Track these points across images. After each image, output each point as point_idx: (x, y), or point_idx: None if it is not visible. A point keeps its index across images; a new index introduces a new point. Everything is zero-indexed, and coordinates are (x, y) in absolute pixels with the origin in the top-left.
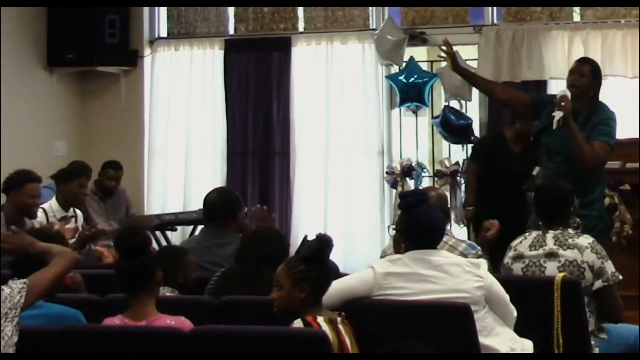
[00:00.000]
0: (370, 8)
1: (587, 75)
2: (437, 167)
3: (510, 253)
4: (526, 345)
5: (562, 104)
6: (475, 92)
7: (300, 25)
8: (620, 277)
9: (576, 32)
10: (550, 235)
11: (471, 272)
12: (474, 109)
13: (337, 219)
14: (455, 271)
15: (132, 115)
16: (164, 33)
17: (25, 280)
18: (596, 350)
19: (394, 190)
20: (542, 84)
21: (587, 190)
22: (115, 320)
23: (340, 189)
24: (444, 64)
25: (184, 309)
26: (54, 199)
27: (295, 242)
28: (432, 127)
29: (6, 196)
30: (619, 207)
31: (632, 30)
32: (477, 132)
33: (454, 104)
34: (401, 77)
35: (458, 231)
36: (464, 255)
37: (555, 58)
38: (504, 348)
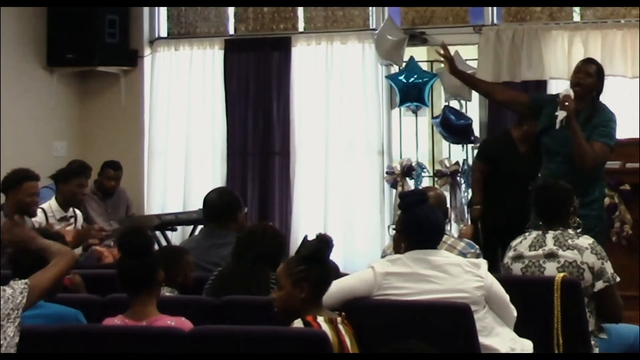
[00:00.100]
0: (370, 8)
1: (593, 75)
2: (437, 167)
3: (510, 253)
4: (526, 345)
5: (566, 103)
6: (475, 92)
7: (300, 25)
8: (618, 278)
9: (576, 32)
10: (550, 235)
11: (471, 272)
12: (474, 109)
13: (337, 219)
14: (455, 271)
15: (132, 115)
16: (164, 33)
17: (26, 280)
18: (596, 350)
19: (394, 190)
20: (542, 84)
21: (587, 190)
22: (116, 321)
23: (340, 189)
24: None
25: (183, 309)
26: (53, 199)
27: (295, 242)
28: (432, 127)
29: (5, 195)
30: (619, 207)
31: (632, 30)
32: (477, 132)
33: (454, 104)
34: (401, 77)
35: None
36: (463, 254)
37: (555, 58)
38: (504, 348)
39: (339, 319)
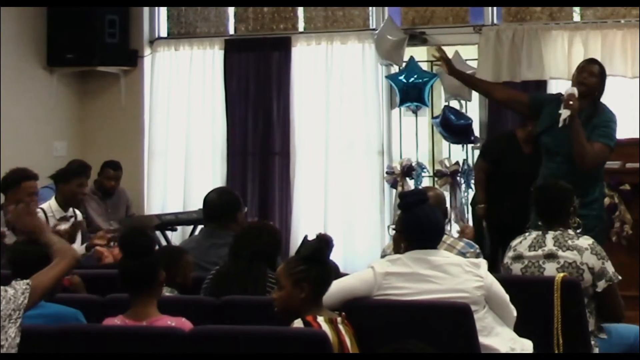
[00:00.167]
0: (370, 8)
1: (596, 75)
2: (437, 167)
3: (510, 253)
4: (526, 345)
5: (570, 102)
6: (475, 92)
7: (300, 25)
8: (620, 277)
9: (576, 32)
10: (550, 235)
11: (471, 272)
12: (474, 109)
13: (337, 219)
14: (455, 271)
15: (132, 115)
16: (164, 33)
17: (28, 280)
18: (596, 350)
19: (394, 190)
20: (542, 84)
21: (587, 190)
22: (116, 321)
23: (340, 189)
24: None
25: (183, 309)
26: (53, 199)
27: (295, 242)
28: (432, 127)
29: (4, 195)
30: (619, 207)
31: (632, 30)
32: (477, 132)
33: (454, 104)
34: (401, 77)
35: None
36: (462, 254)
37: (555, 58)
38: (504, 348)
39: (339, 319)
